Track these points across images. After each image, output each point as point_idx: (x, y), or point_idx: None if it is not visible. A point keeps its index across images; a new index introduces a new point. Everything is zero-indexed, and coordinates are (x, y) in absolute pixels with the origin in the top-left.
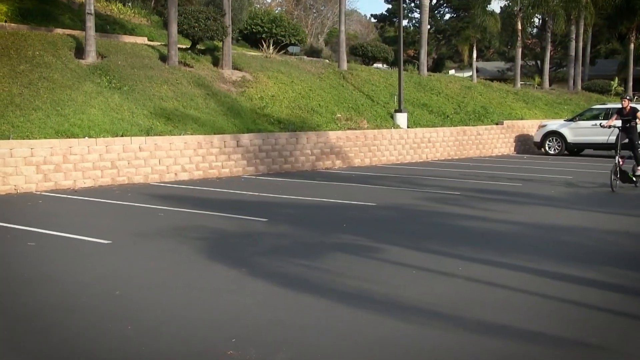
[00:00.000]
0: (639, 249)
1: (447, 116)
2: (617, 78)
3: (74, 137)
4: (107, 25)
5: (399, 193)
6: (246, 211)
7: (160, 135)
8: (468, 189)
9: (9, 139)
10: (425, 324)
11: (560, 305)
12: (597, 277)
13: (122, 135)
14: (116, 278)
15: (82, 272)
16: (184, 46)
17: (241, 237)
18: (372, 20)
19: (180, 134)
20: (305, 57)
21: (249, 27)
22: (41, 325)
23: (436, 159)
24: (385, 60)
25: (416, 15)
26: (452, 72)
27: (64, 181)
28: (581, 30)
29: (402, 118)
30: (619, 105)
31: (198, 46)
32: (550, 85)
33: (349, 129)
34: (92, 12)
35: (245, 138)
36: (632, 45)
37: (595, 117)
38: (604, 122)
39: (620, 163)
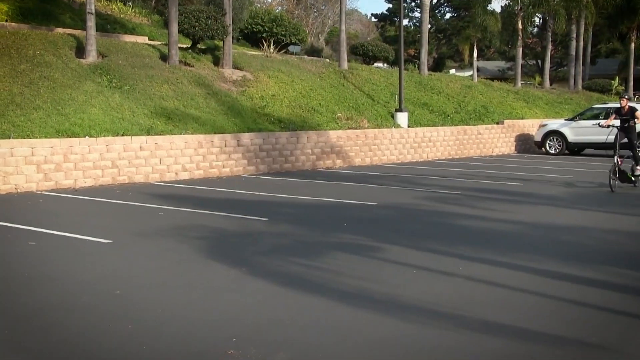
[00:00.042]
0: (639, 249)
1: (448, 115)
2: (617, 77)
3: (75, 137)
4: (108, 25)
5: (399, 192)
6: (246, 210)
7: (160, 134)
8: (468, 189)
9: (9, 138)
10: (425, 323)
11: (561, 305)
12: (598, 276)
13: (122, 135)
14: (116, 277)
15: (83, 271)
16: (184, 45)
17: (241, 237)
18: (373, 19)
19: (180, 134)
20: (305, 56)
21: (249, 27)
22: (41, 324)
23: (437, 158)
24: (385, 60)
25: (417, 14)
26: (452, 71)
27: (64, 180)
28: (582, 30)
29: (402, 117)
30: (618, 105)
31: (199, 45)
32: (550, 84)
33: (349, 128)
34: (93, 11)
35: (246, 137)
36: (632, 45)
37: (596, 117)
38: (603, 122)
39: (619, 163)
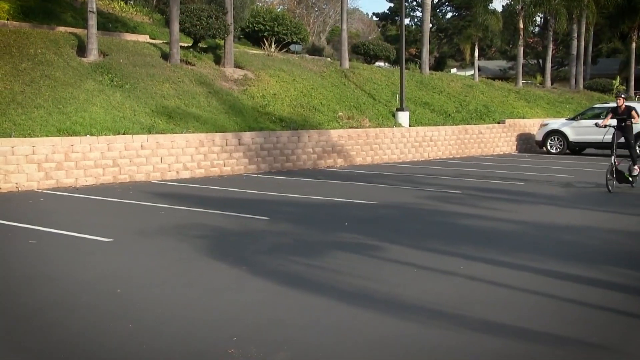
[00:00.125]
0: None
1: (449, 115)
2: (618, 77)
3: (76, 135)
4: (109, 24)
5: (400, 192)
6: (247, 209)
7: (162, 133)
8: (469, 188)
9: (10, 137)
10: (426, 323)
11: (562, 305)
12: (599, 276)
13: (123, 133)
14: (117, 276)
15: (83, 270)
16: (185, 44)
17: (242, 236)
18: (374, 18)
19: (182, 132)
20: (307, 55)
21: (250, 26)
22: (41, 324)
23: (438, 157)
24: (387, 59)
25: (418, 13)
26: (453, 70)
27: (65, 179)
28: (583, 29)
29: (403, 117)
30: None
31: (200, 44)
32: (552, 84)
33: (350, 127)
34: (94, 10)
35: (247, 136)
36: (633, 45)
37: (597, 117)
38: (599, 122)
39: (617, 163)
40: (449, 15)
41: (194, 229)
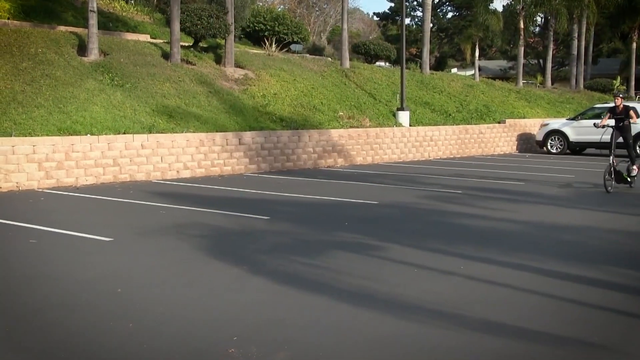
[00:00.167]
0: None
1: (450, 115)
2: (619, 77)
3: (76, 135)
4: (110, 23)
5: (400, 191)
6: (248, 209)
7: (162, 132)
8: (470, 188)
9: (11, 136)
10: (426, 322)
11: (562, 304)
12: (599, 276)
13: (124, 133)
14: (117, 276)
15: (83, 270)
16: (186, 44)
17: (242, 235)
18: (375, 18)
19: (182, 132)
20: (307, 55)
21: (251, 25)
22: (41, 324)
23: (438, 157)
24: (387, 59)
25: (419, 13)
26: (454, 70)
27: (66, 178)
28: (583, 29)
29: (404, 116)
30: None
31: (200, 44)
32: (552, 84)
33: (351, 127)
34: (95, 9)
35: (248, 136)
36: (634, 45)
37: (598, 116)
38: (598, 122)
39: (615, 163)
40: (450, 15)
41: (194, 229)
